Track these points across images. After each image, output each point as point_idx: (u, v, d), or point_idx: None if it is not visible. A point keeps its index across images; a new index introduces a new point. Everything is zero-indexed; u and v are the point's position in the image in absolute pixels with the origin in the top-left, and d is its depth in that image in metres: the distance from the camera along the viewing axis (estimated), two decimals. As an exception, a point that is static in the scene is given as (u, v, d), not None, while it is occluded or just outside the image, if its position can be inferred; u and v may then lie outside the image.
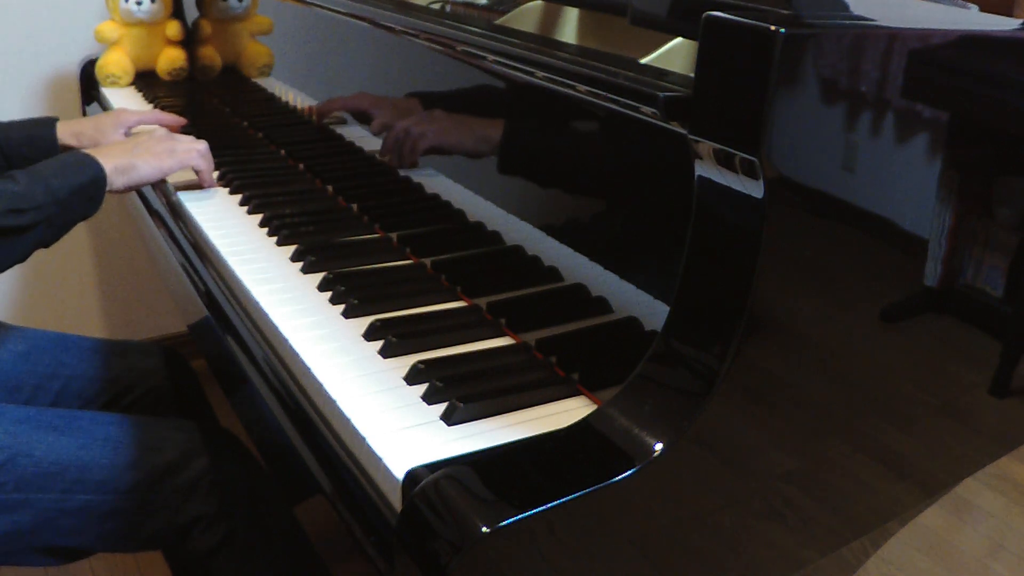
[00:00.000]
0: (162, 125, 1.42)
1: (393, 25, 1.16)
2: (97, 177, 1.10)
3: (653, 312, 0.79)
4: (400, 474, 0.69)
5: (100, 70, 1.81)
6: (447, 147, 1.11)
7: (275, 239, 1.12)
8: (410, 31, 1.13)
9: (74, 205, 1.07)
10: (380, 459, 0.72)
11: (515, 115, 0.99)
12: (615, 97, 0.78)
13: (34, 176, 1.05)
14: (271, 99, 1.65)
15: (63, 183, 1.06)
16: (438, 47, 1.08)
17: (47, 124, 1.34)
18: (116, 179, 1.13)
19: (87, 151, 1.13)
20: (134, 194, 1.38)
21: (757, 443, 0.74)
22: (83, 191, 1.08)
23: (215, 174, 1.30)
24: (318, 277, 1.01)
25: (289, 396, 0.87)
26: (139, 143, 1.20)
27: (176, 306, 1.39)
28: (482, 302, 0.95)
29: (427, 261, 1.06)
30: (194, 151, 1.24)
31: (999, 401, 0.97)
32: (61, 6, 1.96)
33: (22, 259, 1.05)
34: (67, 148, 1.33)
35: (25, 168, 1.06)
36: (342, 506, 0.75)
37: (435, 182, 1.12)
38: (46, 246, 1.07)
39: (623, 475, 0.66)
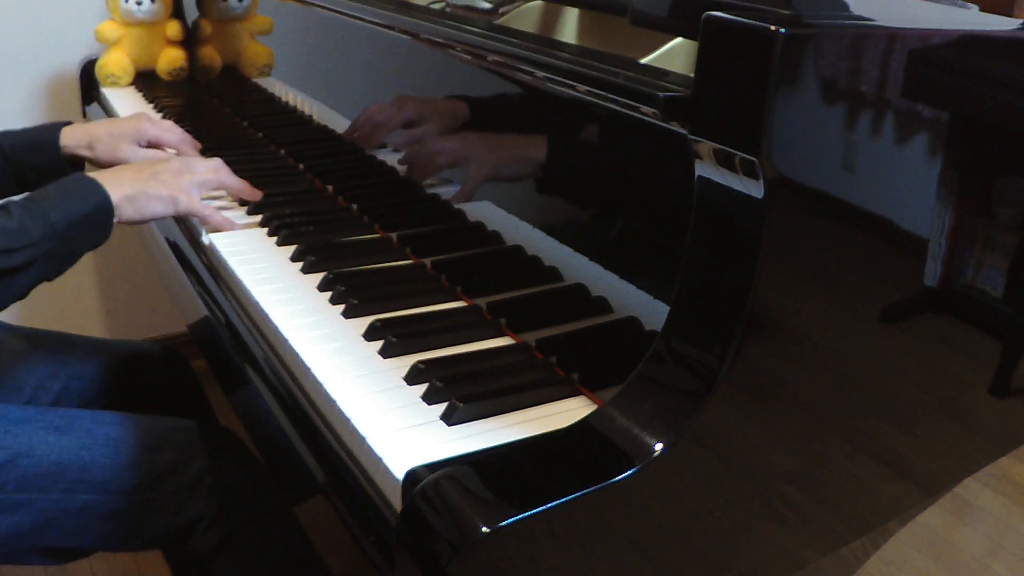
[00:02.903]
0: (178, 146, 1.34)
1: (393, 25, 1.16)
2: (102, 206, 1.02)
3: (653, 312, 0.79)
4: (400, 474, 0.69)
5: (100, 70, 1.81)
6: (454, 160, 1.11)
7: (275, 239, 1.12)
8: (410, 31, 1.13)
9: (76, 236, 1.00)
10: (380, 459, 0.72)
11: (515, 116, 0.99)
12: (615, 97, 0.78)
13: (31, 208, 0.97)
14: (271, 99, 1.65)
15: (63, 214, 0.98)
16: (438, 47, 1.08)
17: (51, 129, 1.25)
18: (125, 209, 1.05)
19: (93, 175, 1.05)
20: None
21: (757, 443, 0.74)
22: (86, 221, 1.00)
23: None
24: (318, 277, 1.01)
25: (289, 396, 0.87)
26: (156, 172, 1.10)
27: (176, 306, 1.39)
28: (482, 302, 0.95)
29: (427, 261, 1.06)
30: (209, 210, 1.13)
31: (999, 401, 0.97)
32: (61, 6, 1.96)
33: (21, 296, 0.98)
34: (77, 158, 1.26)
35: (24, 196, 1.00)
36: (342, 506, 0.76)
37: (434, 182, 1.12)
38: (50, 279, 1.00)
39: (623, 475, 0.66)
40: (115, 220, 1.04)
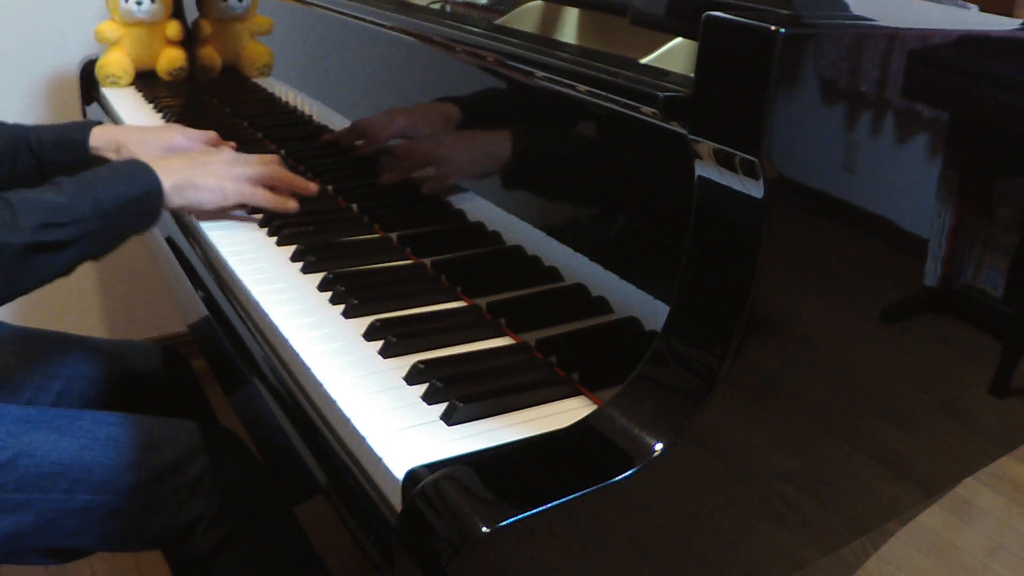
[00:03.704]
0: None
1: (393, 25, 1.16)
2: (152, 190, 1.03)
3: (653, 312, 0.79)
4: (400, 474, 0.69)
5: (100, 70, 1.81)
6: (452, 160, 1.11)
7: (275, 239, 1.12)
8: (410, 31, 1.13)
9: (124, 218, 1.00)
10: (380, 459, 0.72)
11: (515, 116, 0.99)
12: (615, 97, 0.78)
13: (81, 185, 0.98)
14: (271, 99, 1.65)
15: (112, 194, 0.99)
16: (438, 47, 1.08)
17: (81, 128, 1.26)
18: (173, 196, 1.05)
19: (146, 161, 1.06)
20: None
21: (757, 443, 0.74)
22: (135, 204, 1.01)
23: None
24: (318, 277, 1.01)
25: (289, 396, 0.87)
26: (206, 161, 1.10)
27: (176, 306, 1.39)
28: (482, 302, 0.95)
29: (427, 261, 1.06)
30: (259, 192, 1.11)
31: (999, 401, 0.97)
32: (61, 6, 1.96)
33: (65, 273, 0.98)
34: (103, 160, 1.24)
35: (77, 175, 1.00)
36: (342, 506, 0.76)
37: (435, 182, 1.12)
38: (95, 259, 1.01)
39: (623, 475, 0.66)
40: (164, 205, 1.04)
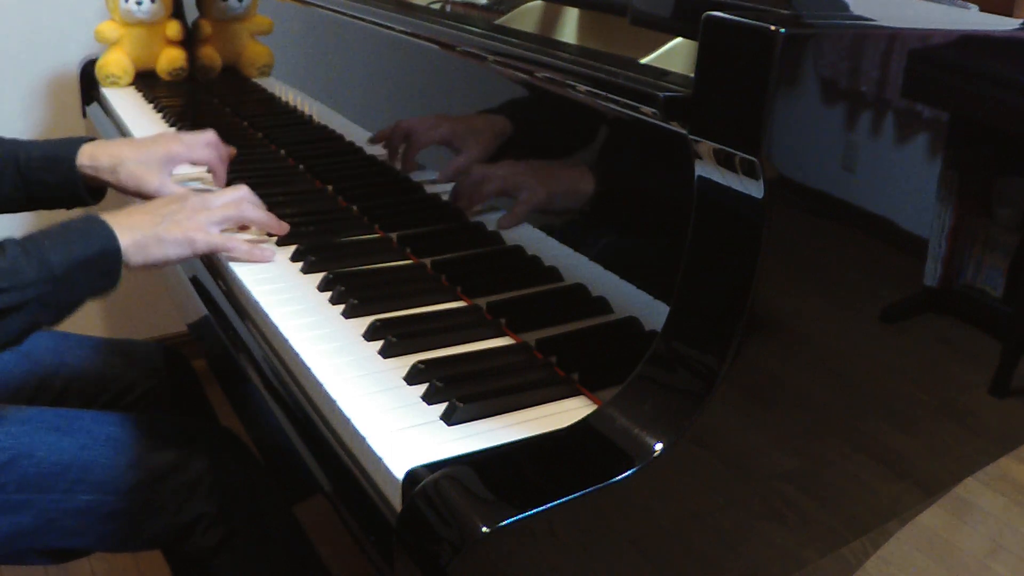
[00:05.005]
0: (211, 165, 1.25)
1: (393, 25, 1.16)
2: (107, 250, 0.94)
3: (653, 312, 0.79)
4: (400, 474, 0.69)
5: (100, 70, 1.81)
6: (502, 188, 1.08)
7: (275, 239, 1.12)
8: (410, 31, 1.13)
9: (77, 281, 0.92)
10: (380, 459, 0.72)
11: (515, 116, 0.99)
12: (615, 97, 0.78)
13: (29, 247, 0.89)
14: (271, 99, 1.65)
15: (63, 256, 0.90)
16: (438, 47, 1.08)
17: (69, 145, 1.16)
18: (134, 255, 0.97)
19: (106, 216, 0.97)
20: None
21: (757, 443, 0.74)
22: (88, 266, 0.92)
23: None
24: (318, 277, 1.01)
25: (289, 396, 0.87)
26: (170, 212, 1.01)
27: (176, 306, 1.39)
28: (482, 302, 0.95)
29: (427, 261, 1.06)
30: (233, 242, 1.05)
31: (999, 401, 0.97)
32: (61, 6, 1.96)
33: (13, 343, 0.91)
34: (97, 180, 1.18)
35: (26, 235, 0.92)
36: (342, 506, 0.76)
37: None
38: (49, 326, 0.94)
39: (623, 475, 0.66)
40: (124, 265, 0.98)
